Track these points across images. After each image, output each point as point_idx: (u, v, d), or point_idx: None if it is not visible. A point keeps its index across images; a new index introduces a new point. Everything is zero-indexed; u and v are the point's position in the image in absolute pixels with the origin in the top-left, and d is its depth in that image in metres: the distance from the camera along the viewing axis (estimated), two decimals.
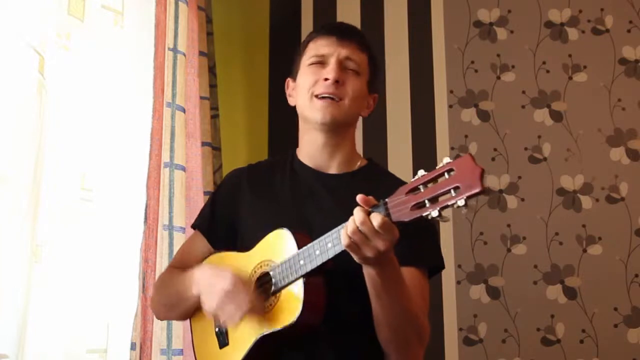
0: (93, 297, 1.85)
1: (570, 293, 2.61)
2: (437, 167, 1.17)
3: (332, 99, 1.51)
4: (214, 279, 1.42)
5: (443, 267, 1.55)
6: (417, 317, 1.40)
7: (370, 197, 1.25)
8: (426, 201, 1.17)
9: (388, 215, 1.22)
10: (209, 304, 1.40)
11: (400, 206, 1.21)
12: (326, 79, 1.51)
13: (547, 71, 2.81)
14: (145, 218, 2.01)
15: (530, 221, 2.69)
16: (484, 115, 2.82)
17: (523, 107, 2.80)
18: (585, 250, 2.63)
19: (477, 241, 2.71)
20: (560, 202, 2.69)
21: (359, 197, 1.24)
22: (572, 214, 2.67)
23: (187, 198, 2.22)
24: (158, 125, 2.07)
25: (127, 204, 2.02)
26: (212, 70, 2.62)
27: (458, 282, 2.69)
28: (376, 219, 1.21)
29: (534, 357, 2.59)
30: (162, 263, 1.99)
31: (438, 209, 1.15)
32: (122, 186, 2.01)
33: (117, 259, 1.97)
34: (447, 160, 1.16)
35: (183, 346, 2.03)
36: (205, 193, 2.37)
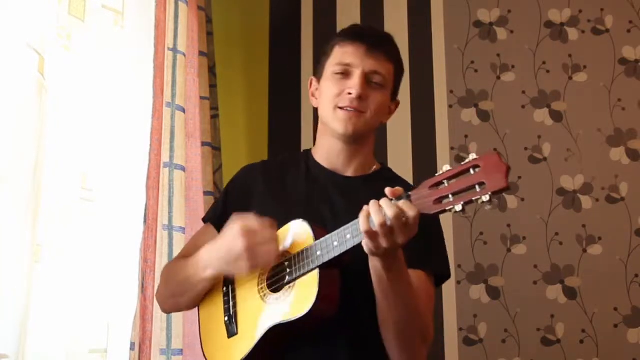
0: (93, 297, 1.85)
1: (570, 293, 2.61)
2: (463, 163, 1.17)
3: (355, 111, 1.50)
4: (224, 248, 1.41)
5: (449, 276, 1.54)
6: (421, 315, 1.39)
7: (397, 189, 1.25)
8: (450, 195, 1.17)
9: None
10: (238, 269, 1.39)
11: (424, 199, 1.20)
12: (350, 93, 1.50)
13: (547, 71, 2.81)
14: (145, 218, 2.01)
15: (530, 221, 2.69)
16: (484, 115, 2.82)
17: (523, 107, 2.80)
18: (585, 250, 2.63)
19: (477, 241, 2.71)
20: (560, 202, 2.69)
21: (388, 190, 1.24)
22: (572, 214, 2.67)
23: (187, 198, 2.22)
24: (158, 125, 2.06)
25: (127, 204, 2.02)
26: (212, 70, 2.61)
27: (458, 282, 2.69)
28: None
29: (534, 357, 2.59)
30: (162, 263, 1.99)
31: (462, 203, 1.15)
32: (122, 186, 2.01)
33: (118, 258, 1.97)
34: (473, 156, 1.16)
35: (183, 346, 2.03)
36: (205, 193, 2.36)
